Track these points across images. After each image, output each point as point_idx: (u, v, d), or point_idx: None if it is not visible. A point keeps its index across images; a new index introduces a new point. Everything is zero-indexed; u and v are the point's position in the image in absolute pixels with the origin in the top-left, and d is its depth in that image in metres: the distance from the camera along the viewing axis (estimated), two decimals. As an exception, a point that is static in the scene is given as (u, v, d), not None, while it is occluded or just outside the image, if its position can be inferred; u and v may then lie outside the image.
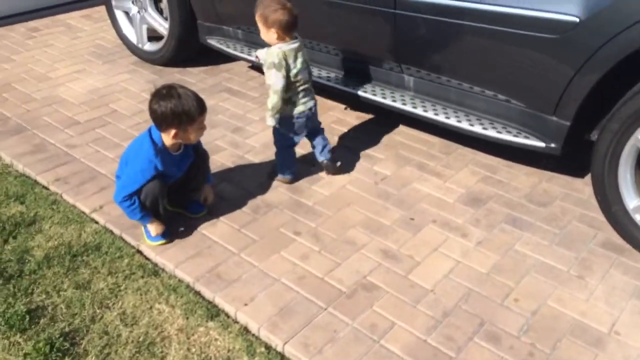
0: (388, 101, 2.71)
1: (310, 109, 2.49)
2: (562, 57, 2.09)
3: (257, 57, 2.57)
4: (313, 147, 2.65)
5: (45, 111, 3.25)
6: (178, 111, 2.02)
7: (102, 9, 4.97)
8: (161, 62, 3.80)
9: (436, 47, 2.49)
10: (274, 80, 2.35)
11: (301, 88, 2.43)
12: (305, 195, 2.53)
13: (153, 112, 2.07)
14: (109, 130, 3.06)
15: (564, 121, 2.21)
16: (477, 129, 2.44)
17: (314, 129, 2.59)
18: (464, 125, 2.48)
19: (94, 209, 2.41)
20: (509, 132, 2.39)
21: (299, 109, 2.45)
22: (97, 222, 2.36)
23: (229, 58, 3.76)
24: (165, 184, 2.14)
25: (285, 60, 2.34)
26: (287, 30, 2.34)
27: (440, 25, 2.39)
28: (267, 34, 2.37)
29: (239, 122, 3.16)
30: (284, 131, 2.50)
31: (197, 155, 2.28)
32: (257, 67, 3.68)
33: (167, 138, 2.11)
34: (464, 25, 2.32)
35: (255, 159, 2.81)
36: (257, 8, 2.37)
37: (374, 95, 2.76)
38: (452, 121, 2.51)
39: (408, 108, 2.64)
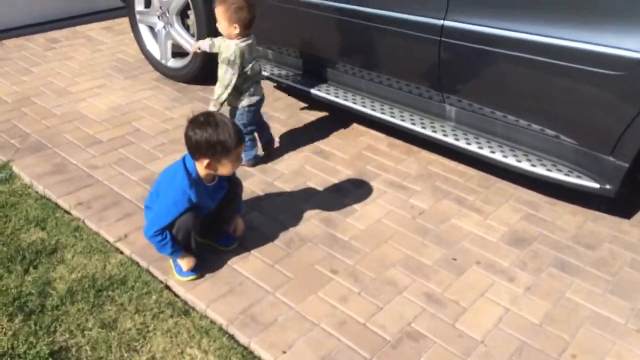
0: (428, 131, 2.59)
1: (261, 99, 2.71)
2: (625, 95, 1.97)
3: (198, 48, 2.70)
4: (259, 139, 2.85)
5: (66, 128, 3.14)
6: (213, 141, 1.90)
7: (123, 21, 4.89)
8: (185, 79, 3.70)
9: (483, 78, 2.38)
10: (226, 75, 2.51)
11: (254, 80, 2.62)
12: (340, 228, 2.40)
13: (188, 140, 1.95)
14: (133, 150, 2.95)
15: (622, 162, 2.08)
16: (525, 165, 2.32)
17: (260, 121, 2.79)
18: (511, 161, 2.35)
19: (119, 238, 2.29)
20: (559, 170, 2.27)
21: (252, 99, 2.64)
22: (122, 253, 2.23)
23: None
24: (198, 217, 2.01)
25: (242, 57, 2.50)
26: (249, 27, 2.50)
27: (489, 55, 2.28)
28: (229, 29, 2.48)
29: (266, 145, 3.04)
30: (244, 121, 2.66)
31: (231, 185, 2.16)
32: (283, 88, 3.57)
33: (201, 168, 1.99)
34: (515, 57, 2.21)
35: (286, 186, 2.69)
36: (220, 3, 2.45)
37: (413, 124, 2.65)
38: (498, 156, 2.39)
39: (449, 140, 2.52)
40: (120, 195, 2.57)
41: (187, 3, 3.46)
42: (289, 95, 3.58)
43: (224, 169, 1.98)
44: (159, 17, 3.68)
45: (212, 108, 2.55)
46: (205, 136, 1.90)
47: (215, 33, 3.39)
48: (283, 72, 3.22)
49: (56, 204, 2.51)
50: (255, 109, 2.69)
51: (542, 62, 2.15)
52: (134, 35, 3.93)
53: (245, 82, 2.59)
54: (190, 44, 3.55)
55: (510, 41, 2.19)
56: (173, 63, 3.73)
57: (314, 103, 3.40)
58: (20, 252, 2.17)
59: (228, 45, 2.50)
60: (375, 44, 2.68)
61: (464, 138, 2.51)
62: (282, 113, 3.39)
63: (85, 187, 2.62)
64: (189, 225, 1.98)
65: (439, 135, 2.55)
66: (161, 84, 3.72)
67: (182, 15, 3.60)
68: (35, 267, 2.12)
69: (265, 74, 3.24)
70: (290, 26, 3.02)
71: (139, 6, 3.80)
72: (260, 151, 2.87)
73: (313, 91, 3.01)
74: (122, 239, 2.29)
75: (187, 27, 3.62)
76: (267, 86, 3.70)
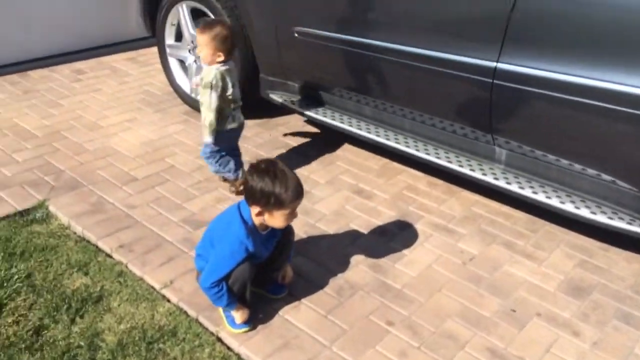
0: (477, 174, 2.53)
1: (241, 125, 2.75)
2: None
3: (196, 84, 2.81)
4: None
5: (100, 164, 3.08)
6: (267, 191, 1.83)
7: (146, 52, 4.89)
8: (215, 113, 3.65)
9: (536, 121, 2.33)
10: (210, 99, 2.56)
11: (234, 105, 2.67)
12: (390, 275, 2.33)
13: (244, 184, 1.89)
14: (169, 188, 2.89)
15: (690, 212, 2.02)
16: (584, 212, 2.25)
17: (234, 146, 2.80)
18: (568, 207, 2.29)
19: (165, 284, 2.22)
20: (621, 218, 2.20)
21: (233, 125, 2.68)
22: (169, 300, 2.15)
23: (285, 111, 3.63)
24: (254, 267, 1.94)
25: (223, 80, 2.56)
26: (231, 54, 2.62)
27: (543, 99, 2.23)
28: (212, 56, 2.56)
29: (304, 184, 2.97)
30: (217, 146, 2.68)
31: (284, 233, 2.09)
32: (314, 123, 3.53)
33: (253, 215, 1.92)
34: (571, 101, 2.16)
35: (329, 228, 2.62)
36: (205, 31, 2.53)
37: (460, 166, 2.59)
38: (554, 202, 2.33)
39: (501, 184, 2.46)
40: (161, 237, 2.50)
41: (221, 38, 3.44)
42: (320, 130, 3.54)
43: (274, 222, 1.91)
44: (189, 51, 3.66)
45: (207, 139, 2.61)
46: (261, 185, 1.84)
47: (250, 67, 3.38)
48: (319, 109, 3.17)
49: (97, 246, 2.44)
50: (237, 134, 2.77)
51: (599, 107, 2.10)
52: (163, 68, 3.90)
53: (229, 107, 2.65)
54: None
55: (566, 85, 2.15)
56: (203, 97, 3.69)
57: (348, 139, 3.35)
58: (66, 300, 2.10)
59: (209, 70, 2.58)
60: (420, 83, 2.64)
61: (515, 182, 2.45)
62: (315, 149, 3.35)
63: (125, 228, 2.55)
64: (246, 276, 1.91)
65: (489, 179, 2.49)
66: (191, 117, 3.68)
67: (215, 49, 3.57)
68: (81, 317, 2.04)
69: (300, 110, 3.20)
70: (330, 64, 2.98)
71: (169, 40, 3.78)
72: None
73: (352, 129, 2.96)
74: (168, 286, 2.21)
75: (219, 62, 3.59)
76: (297, 121, 3.66)
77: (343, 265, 2.38)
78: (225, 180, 2.85)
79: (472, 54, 2.37)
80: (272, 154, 3.25)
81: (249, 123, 3.62)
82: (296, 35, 3.02)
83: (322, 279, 2.29)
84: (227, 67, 2.60)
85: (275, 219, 1.89)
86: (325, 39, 2.87)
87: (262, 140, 3.45)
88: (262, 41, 3.26)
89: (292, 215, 1.90)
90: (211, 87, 2.56)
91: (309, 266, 2.36)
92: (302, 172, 3.10)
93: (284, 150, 3.33)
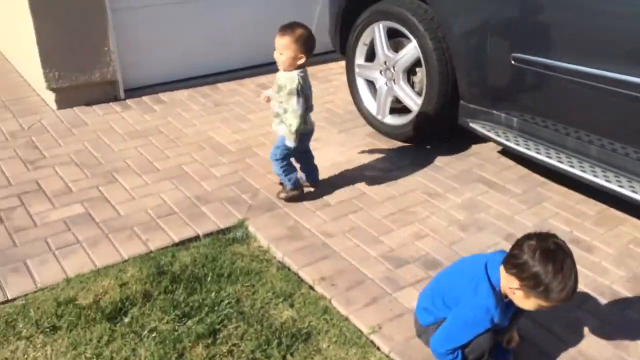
0: None
1: (313, 128, 2.80)
2: None
3: (267, 97, 2.79)
4: (301, 169, 2.91)
5: (292, 185, 3.04)
6: (542, 280, 1.58)
7: (324, 67, 4.88)
8: (402, 137, 3.49)
9: None
10: (297, 105, 2.57)
11: (310, 110, 2.71)
12: (634, 353, 1.98)
13: (519, 250, 1.63)
14: (363, 218, 2.75)
15: None
16: None
17: (306, 149, 2.84)
18: None
19: (373, 330, 2.06)
20: None
21: (307, 127, 2.72)
22: (379, 349, 1.99)
23: (476, 139, 3.35)
24: (494, 336, 1.70)
25: (303, 85, 2.57)
26: (311, 54, 2.60)
27: None
28: (295, 60, 2.54)
29: (509, 226, 2.69)
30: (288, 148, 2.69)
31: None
32: (511, 154, 3.19)
33: (505, 282, 1.68)
34: None
35: (547, 284, 2.30)
36: (286, 33, 2.52)
37: None
38: None
39: None
40: (362, 273, 2.36)
41: (417, 59, 3.26)
42: (519, 164, 3.21)
43: (523, 303, 1.67)
44: (380, 72, 3.52)
45: (290, 143, 2.62)
46: (539, 269, 1.58)
47: (447, 92, 3.16)
48: (530, 143, 2.85)
49: (298, 275, 2.36)
50: (309, 137, 2.80)
51: None
52: (349, 87, 3.82)
53: (306, 111, 2.66)
54: (416, 103, 3.35)
55: None
56: (390, 120, 3.54)
57: (554, 177, 2.99)
58: (275, 334, 2.01)
59: (291, 76, 2.57)
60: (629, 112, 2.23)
61: None
62: (516, 186, 3.03)
63: (324, 258, 2.45)
64: (486, 347, 1.69)
65: None
66: (375, 139, 3.55)
67: (408, 71, 3.41)
68: (292, 355, 1.94)
69: (509, 144, 2.90)
70: (555, 96, 2.66)
71: (360, 60, 3.68)
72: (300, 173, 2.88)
73: (575, 171, 2.61)
74: (377, 331, 2.05)
75: (411, 84, 3.42)
76: (490, 151, 3.35)
77: (573, 333, 2.06)
78: (281, 184, 2.88)
79: None
80: (470, 189, 2.99)
81: (436, 150, 3.41)
82: (513, 62, 2.74)
83: (551, 347, 1.99)
84: (304, 73, 2.62)
85: (527, 303, 1.66)
86: (554, 69, 2.55)
87: (454, 170, 3.21)
88: (467, 66, 3.02)
89: (544, 308, 1.65)
90: (297, 94, 2.55)
91: (533, 329, 2.07)
92: (504, 211, 2.80)
93: (480, 184, 3.06)
